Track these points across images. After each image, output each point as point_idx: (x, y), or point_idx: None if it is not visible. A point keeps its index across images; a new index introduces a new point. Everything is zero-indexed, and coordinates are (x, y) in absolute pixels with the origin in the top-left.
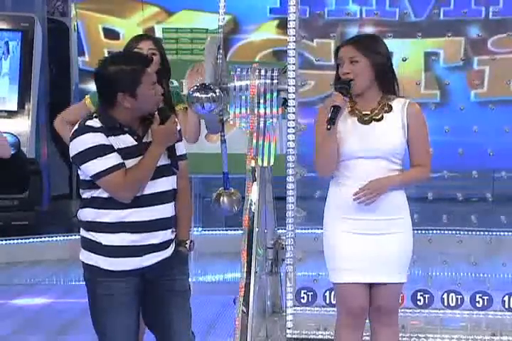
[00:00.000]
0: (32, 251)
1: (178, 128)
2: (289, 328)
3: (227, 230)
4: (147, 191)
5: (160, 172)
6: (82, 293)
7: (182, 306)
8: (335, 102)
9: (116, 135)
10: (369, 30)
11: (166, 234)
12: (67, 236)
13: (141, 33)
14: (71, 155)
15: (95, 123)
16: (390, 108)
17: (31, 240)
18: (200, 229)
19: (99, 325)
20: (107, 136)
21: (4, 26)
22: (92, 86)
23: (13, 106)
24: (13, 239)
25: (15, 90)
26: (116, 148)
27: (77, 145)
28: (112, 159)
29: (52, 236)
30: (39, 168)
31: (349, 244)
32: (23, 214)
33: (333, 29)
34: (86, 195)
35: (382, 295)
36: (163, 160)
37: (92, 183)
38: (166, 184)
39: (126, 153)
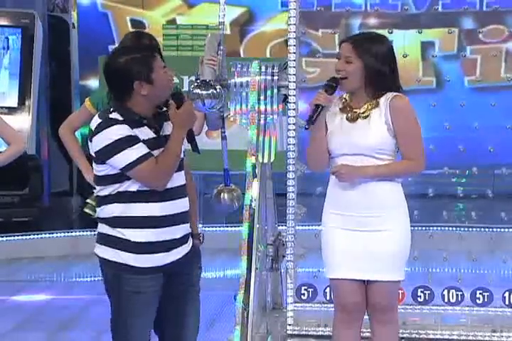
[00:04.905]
0: (33, 248)
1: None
2: (290, 324)
3: (227, 226)
4: (170, 185)
5: (178, 167)
6: (83, 290)
7: (194, 300)
8: (317, 101)
9: (138, 127)
10: (372, 21)
11: (186, 228)
12: (68, 232)
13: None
14: (95, 150)
15: (117, 116)
16: (377, 104)
17: (32, 236)
18: (200, 225)
19: (121, 324)
20: (131, 128)
21: (4, 22)
22: (92, 82)
23: (13, 102)
24: (14, 236)
25: (15, 86)
26: (141, 139)
27: (104, 139)
28: (141, 149)
29: (53, 233)
30: (39, 165)
31: (341, 239)
32: (24, 210)
33: (338, 21)
34: (107, 190)
35: (376, 293)
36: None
37: (116, 177)
38: (181, 178)
39: (147, 145)
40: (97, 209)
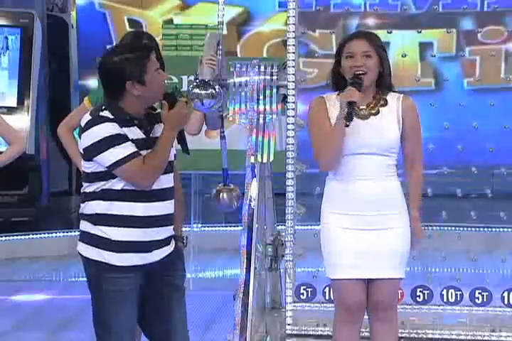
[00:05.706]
0: (32, 247)
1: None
2: (289, 324)
3: (226, 226)
4: (157, 186)
5: (166, 168)
6: (82, 289)
7: (179, 300)
8: (351, 98)
9: (127, 126)
10: (371, 22)
11: (169, 230)
12: (67, 232)
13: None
14: (84, 146)
15: (108, 114)
16: (386, 102)
17: (31, 236)
18: (199, 225)
19: (102, 322)
20: (120, 127)
21: (4, 22)
22: (91, 82)
23: (12, 102)
24: (13, 235)
25: (14, 86)
26: (130, 138)
27: (92, 136)
28: (128, 148)
29: (51, 233)
30: (38, 164)
31: (345, 239)
32: (23, 210)
33: (336, 21)
34: (92, 188)
35: (379, 291)
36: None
37: (102, 175)
38: (170, 180)
39: (136, 145)
40: (81, 205)
